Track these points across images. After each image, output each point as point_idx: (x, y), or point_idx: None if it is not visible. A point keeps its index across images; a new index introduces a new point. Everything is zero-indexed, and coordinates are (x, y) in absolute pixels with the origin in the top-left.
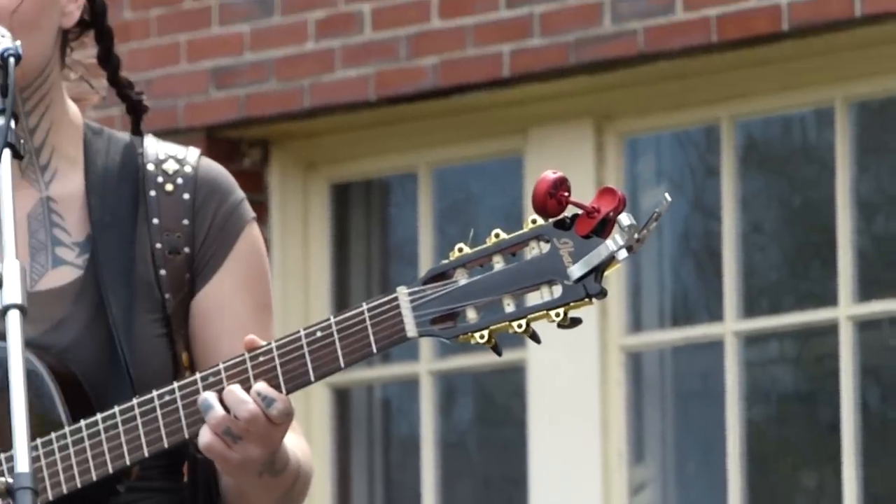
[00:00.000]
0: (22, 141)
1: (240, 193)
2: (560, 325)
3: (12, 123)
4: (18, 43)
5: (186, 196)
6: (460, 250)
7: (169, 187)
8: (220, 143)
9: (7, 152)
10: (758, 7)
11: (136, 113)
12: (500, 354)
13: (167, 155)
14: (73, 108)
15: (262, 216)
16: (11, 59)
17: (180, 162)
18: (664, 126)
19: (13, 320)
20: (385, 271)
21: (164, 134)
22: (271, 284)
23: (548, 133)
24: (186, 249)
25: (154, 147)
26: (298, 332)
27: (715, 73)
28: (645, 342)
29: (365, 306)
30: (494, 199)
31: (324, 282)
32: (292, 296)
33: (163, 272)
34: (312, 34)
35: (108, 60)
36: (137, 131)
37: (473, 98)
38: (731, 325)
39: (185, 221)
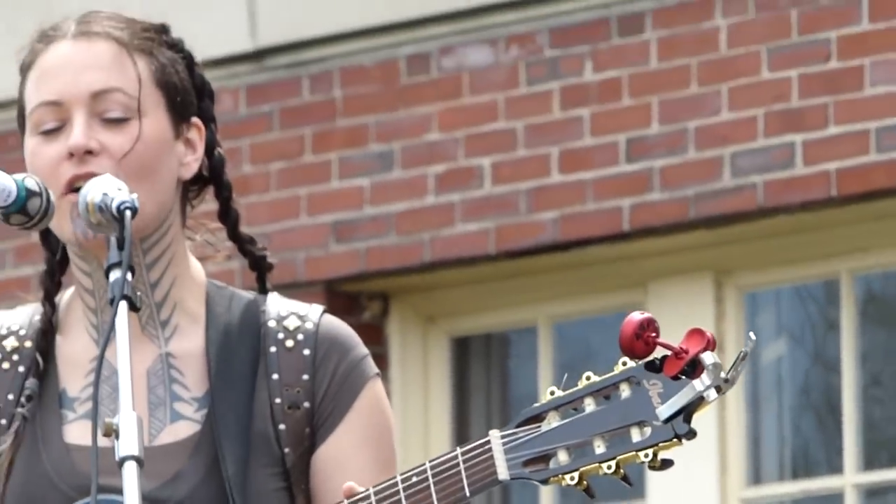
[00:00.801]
0: (139, 293)
1: (362, 350)
2: (650, 467)
3: (129, 276)
4: (135, 196)
5: (307, 352)
6: (552, 393)
7: (290, 343)
8: (340, 296)
9: (124, 304)
10: (877, 161)
11: (259, 269)
12: (592, 496)
13: (289, 311)
14: (196, 263)
15: (382, 369)
16: (128, 212)
17: (302, 318)
18: (784, 280)
19: (129, 472)
20: (505, 425)
21: (284, 287)
22: (395, 441)
23: (667, 287)
24: (306, 404)
25: (276, 304)
26: (395, 477)
27: (834, 227)
28: (765, 494)
29: (458, 450)
30: (615, 352)
31: (444, 435)
32: (412, 449)
33: (282, 427)
34: (432, 188)
35: (227, 215)
36: (263, 287)
37: (593, 252)
38: (851, 478)
39: (305, 377)
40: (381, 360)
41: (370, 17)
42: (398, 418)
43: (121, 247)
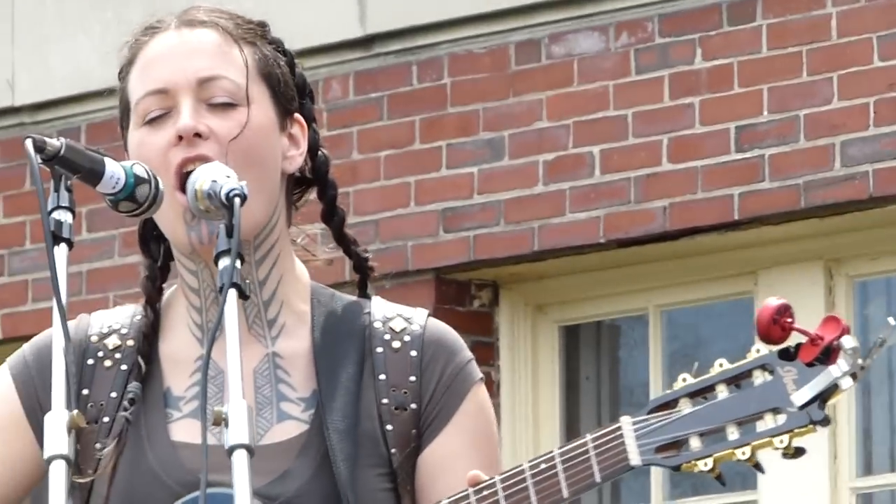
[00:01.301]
0: (248, 281)
1: (468, 354)
2: (784, 454)
3: (238, 264)
4: (244, 183)
5: (414, 353)
6: (684, 380)
7: (396, 344)
8: (449, 285)
9: (233, 292)
10: None
11: (362, 271)
12: (723, 484)
13: (395, 313)
14: (300, 264)
15: (491, 358)
16: (237, 199)
17: (408, 320)
18: (895, 269)
19: (239, 460)
20: (615, 414)
21: (393, 277)
22: (499, 446)
23: (778, 276)
24: (413, 406)
25: (381, 306)
26: (522, 465)
27: None
28: (876, 485)
29: (589, 437)
30: (724, 341)
31: (553, 424)
32: (521, 437)
33: (389, 427)
34: (542, 176)
35: (332, 216)
36: (364, 289)
37: (703, 241)
38: None
39: (413, 378)
40: (490, 348)
41: (480, 4)
42: (507, 407)
43: (229, 234)
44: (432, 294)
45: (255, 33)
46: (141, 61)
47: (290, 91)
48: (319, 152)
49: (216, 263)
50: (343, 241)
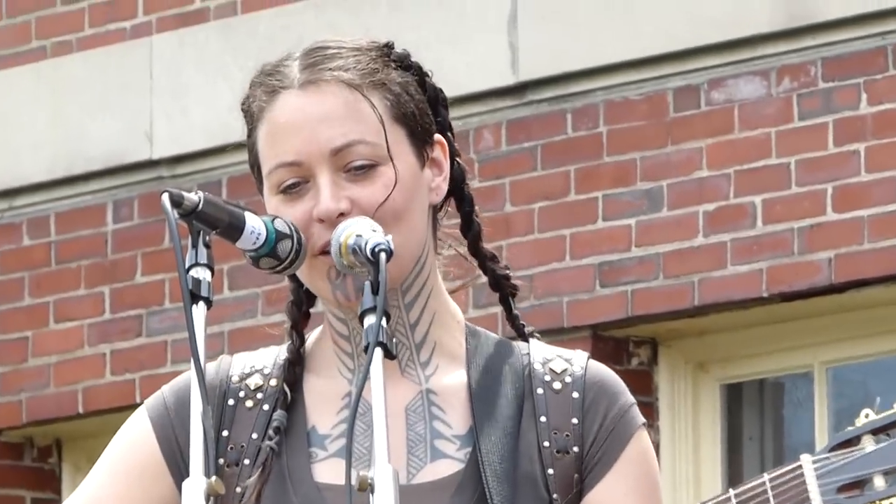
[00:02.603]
0: (395, 340)
1: (630, 398)
2: None
3: (384, 322)
4: (389, 237)
5: (576, 395)
6: (867, 416)
7: (557, 385)
8: (606, 341)
9: (378, 352)
10: None
11: (500, 289)
12: None
13: (554, 354)
14: (451, 301)
15: (651, 418)
16: (382, 255)
17: (568, 361)
18: None
19: None
20: None
21: (549, 332)
22: (661, 492)
23: None
24: (575, 449)
25: (540, 347)
26: None
27: None
28: None
29: (766, 476)
30: (893, 397)
31: (715, 486)
32: (681, 500)
33: (550, 471)
34: (702, 228)
35: (468, 228)
36: (509, 310)
37: (870, 294)
38: None
39: (574, 421)
40: (650, 408)
41: (636, 49)
42: (667, 469)
43: (375, 291)
44: (589, 351)
45: (379, 70)
46: (267, 125)
47: (426, 120)
48: (456, 162)
49: (361, 321)
50: (478, 255)
